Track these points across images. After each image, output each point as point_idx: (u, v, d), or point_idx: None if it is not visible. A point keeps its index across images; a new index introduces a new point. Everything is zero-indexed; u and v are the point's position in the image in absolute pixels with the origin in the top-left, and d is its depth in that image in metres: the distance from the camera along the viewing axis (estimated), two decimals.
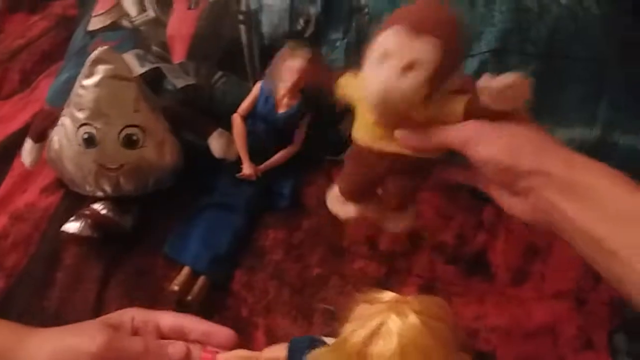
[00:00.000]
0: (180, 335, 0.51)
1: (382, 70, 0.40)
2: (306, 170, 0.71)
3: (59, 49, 0.87)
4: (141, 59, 0.70)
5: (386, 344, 0.36)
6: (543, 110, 0.66)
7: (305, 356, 0.43)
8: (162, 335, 0.50)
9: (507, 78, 0.38)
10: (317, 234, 0.66)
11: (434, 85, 0.40)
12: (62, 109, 0.63)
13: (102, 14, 0.79)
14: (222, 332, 0.51)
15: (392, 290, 0.40)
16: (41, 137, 0.66)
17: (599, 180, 0.36)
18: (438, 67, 0.39)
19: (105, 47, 0.59)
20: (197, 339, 0.51)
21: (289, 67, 0.65)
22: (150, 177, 0.65)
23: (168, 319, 0.51)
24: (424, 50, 0.39)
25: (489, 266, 0.63)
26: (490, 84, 0.39)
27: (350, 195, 0.52)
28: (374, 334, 0.37)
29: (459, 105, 0.42)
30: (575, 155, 0.39)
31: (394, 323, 0.37)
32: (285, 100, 0.66)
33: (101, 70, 0.59)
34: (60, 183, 0.68)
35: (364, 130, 0.46)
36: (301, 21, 0.72)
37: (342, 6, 0.73)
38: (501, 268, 0.63)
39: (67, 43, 0.84)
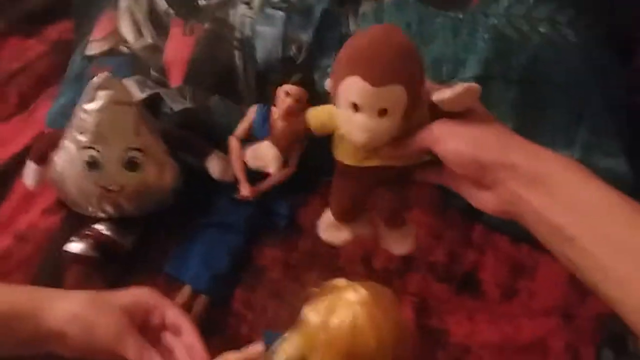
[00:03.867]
0: (177, 333, 0.52)
1: (358, 118, 0.42)
2: (302, 192, 0.73)
3: (56, 72, 0.89)
4: (141, 85, 0.72)
5: (344, 313, 0.46)
6: (524, 133, 0.70)
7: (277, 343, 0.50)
8: (164, 327, 0.52)
9: (456, 89, 0.41)
10: (314, 254, 0.67)
11: (410, 115, 0.43)
12: (63, 132, 0.65)
13: (100, 39, 0.81)
14: (198, 354, 0.51)
15: None
16: (42, 160, 0.67)
17: (559, 171, 0.38)
18: (409, 103, 0.41)
19: (106, 73, 0.61)
20: (187, 344, 0.52)
21: (283, 92, 0.67)
22: (151, 198, 0.66)
23: (172, 314, 0.52)
24: (390, 98, 0.41)
25: (479, 284, 0.66)
26: (442, 96, 0.41)
27: (342, 215, 0.53)
28: (331, 308, 0.47)
29: (424, 109, 0.44)
30: (539, 148, 0.40)
31: (350, 295, 0.47)
32: (279, 123, 0.69)
33: (103, 95, 0.61)
34: (61, 204, 0.69)
35: (348, 153, 0.48)
36: (293, 48, 0.75)
37: (333, 33, 0.76)
38: (491, 285, 0.65)
39: (64, 66, 0.86)
